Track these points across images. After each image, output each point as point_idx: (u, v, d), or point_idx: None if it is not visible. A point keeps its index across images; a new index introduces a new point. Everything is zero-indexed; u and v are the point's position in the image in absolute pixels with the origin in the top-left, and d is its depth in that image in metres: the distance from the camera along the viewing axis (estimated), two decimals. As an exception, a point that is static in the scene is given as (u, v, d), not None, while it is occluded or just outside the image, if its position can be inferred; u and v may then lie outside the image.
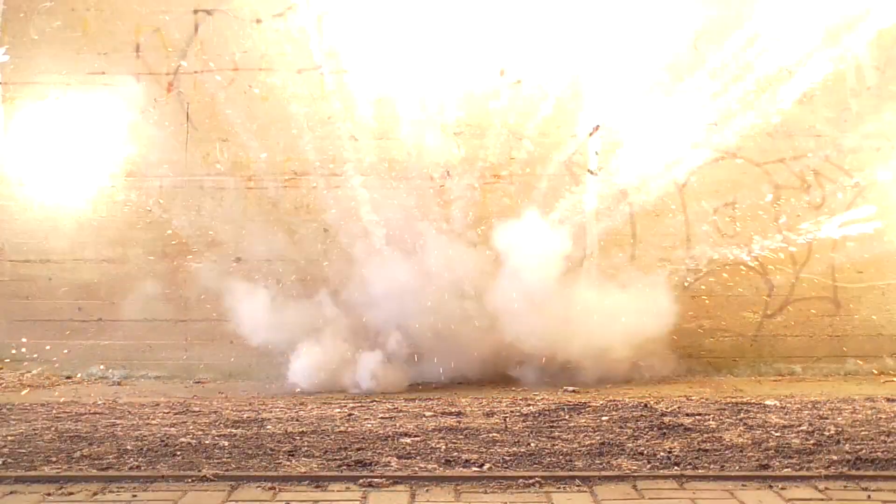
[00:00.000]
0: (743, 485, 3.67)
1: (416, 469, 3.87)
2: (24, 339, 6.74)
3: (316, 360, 6.17)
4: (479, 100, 6.74)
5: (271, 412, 5.23)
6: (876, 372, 6.64)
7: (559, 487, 3.65)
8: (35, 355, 6.73)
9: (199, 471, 3.84)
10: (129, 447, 4.26)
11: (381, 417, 5.04)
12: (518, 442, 4.37)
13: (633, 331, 6.28)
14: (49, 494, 3.59)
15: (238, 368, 6.71)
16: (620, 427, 4.70)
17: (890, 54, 6.77)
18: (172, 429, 4.70)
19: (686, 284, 6.72)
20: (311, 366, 6.15)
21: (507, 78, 6.73)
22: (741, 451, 4.15)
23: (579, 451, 4.16)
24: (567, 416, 5.01)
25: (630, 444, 4.28)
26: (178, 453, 4.15)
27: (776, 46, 6.69)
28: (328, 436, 4.52)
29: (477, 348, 6.34)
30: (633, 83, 6.68)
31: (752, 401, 5.50)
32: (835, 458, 4.02)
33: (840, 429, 4.61)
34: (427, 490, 3.62)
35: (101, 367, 6.70)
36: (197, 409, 5.37)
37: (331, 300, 6.49)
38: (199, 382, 6.57)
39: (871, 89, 6.77)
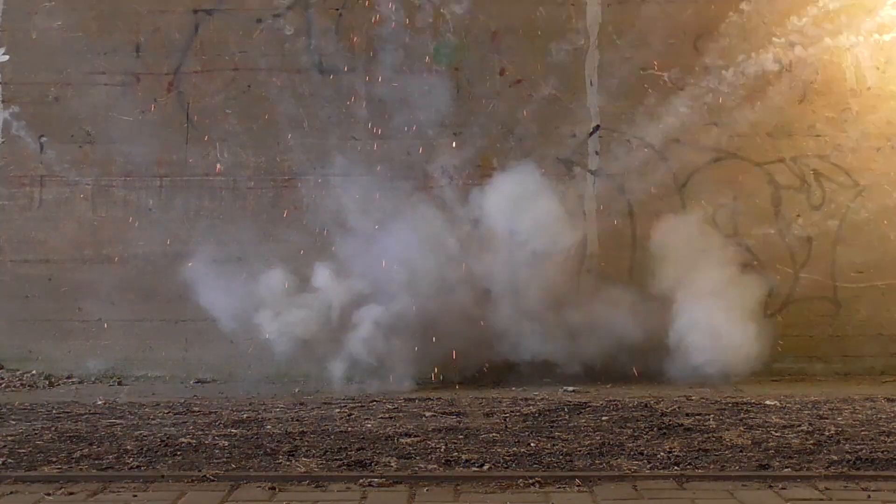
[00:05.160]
0: (743, 485, 3.67)
1: (416, 469, 3.88)
2: (24, 339, 6.73)
3: None
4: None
5: (271, 412, 5.23)
6: (876, 372, 6.64)
7: (559, 487, 3.65)
8: (35, 355, 6.72)
9: (199, 471, 3.84)
10: (129, 447, 4.26)
11: (381, 417, 5.05)
12: (518, 442, 4.37)
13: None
14: (49, 494, 3.59)
15: (238, 368, 6.70)
16: (620, 427, 4.70)
17: (890, 54, 6.77)
18: (172, 429, 4.70)
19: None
20: None
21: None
22: (741, 451, 4.15)
23: (579, 451, 4.17)
24: (567, 416, 5.01)
25: (630, 444, 4.29)
26: (178, 453, 4.16)
27: (776, 45, 6.70)
28: (328, 436, 4.52)
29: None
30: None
31: (752, 401, 5.50)
32: (835, 458, 4.02)
33: (840, 429, 4.61)
34: (427, 490, 3.63)
35: (102, 367, 6.70)
36: (197, 409, 5.37)
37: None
38: (199, 382, 6.57)
39: (871, 89, 6.77)
